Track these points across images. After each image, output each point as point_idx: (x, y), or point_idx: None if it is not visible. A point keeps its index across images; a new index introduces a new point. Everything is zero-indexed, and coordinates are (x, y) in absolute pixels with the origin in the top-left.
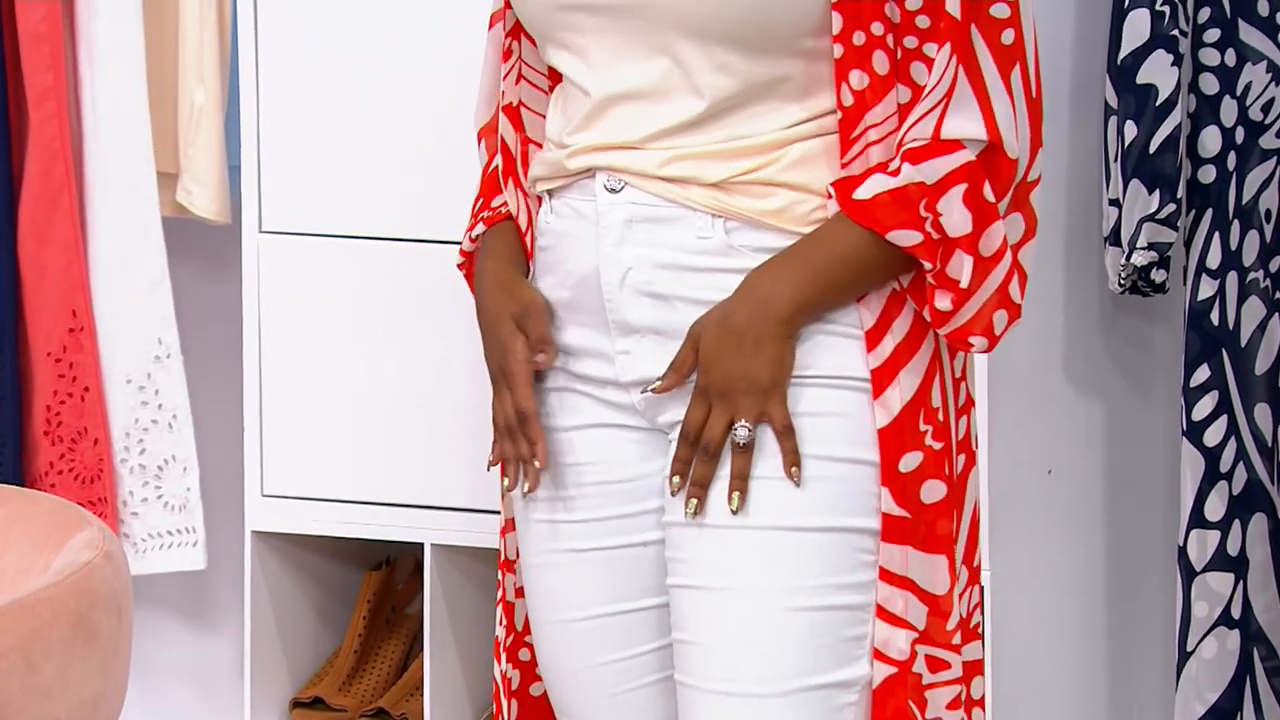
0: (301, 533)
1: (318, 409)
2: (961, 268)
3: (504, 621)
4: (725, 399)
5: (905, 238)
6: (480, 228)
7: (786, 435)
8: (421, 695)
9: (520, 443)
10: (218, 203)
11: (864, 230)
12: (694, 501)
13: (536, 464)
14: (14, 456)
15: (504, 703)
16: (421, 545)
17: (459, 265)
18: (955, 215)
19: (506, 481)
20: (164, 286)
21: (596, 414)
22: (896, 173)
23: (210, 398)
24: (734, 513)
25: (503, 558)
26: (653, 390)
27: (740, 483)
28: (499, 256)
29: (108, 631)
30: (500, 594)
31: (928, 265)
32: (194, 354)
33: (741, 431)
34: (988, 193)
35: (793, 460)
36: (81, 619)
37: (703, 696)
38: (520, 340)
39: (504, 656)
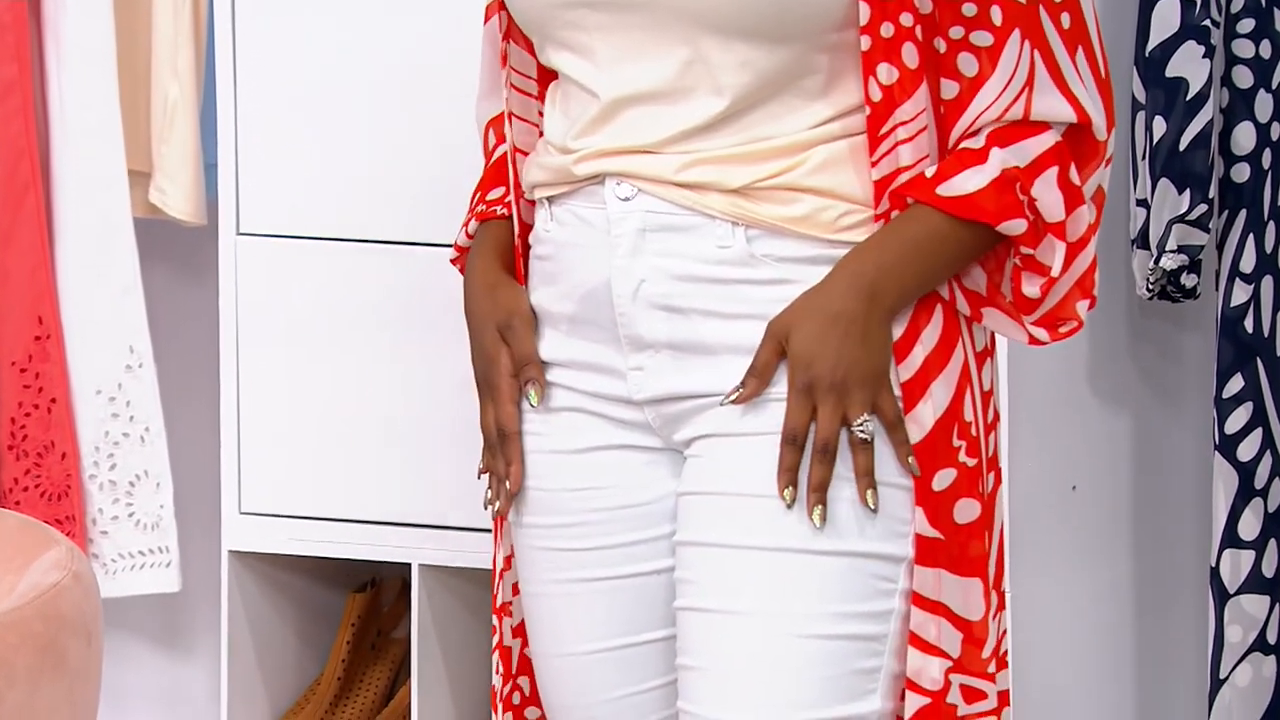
0: (281, 552)
1: (299, 421)
2: (1054, 254)
3: (500, 670)
4: (835, 393)
5: (1014, 226)
6: (475, 223)
7: (898, 426)
8: None
9: (499, 460)
10: (192, 203)
11: (958, 220)
12: (820, 508)
13: (508, 485)
14: None
15: None
16: (409, 566)
17: (452, 260)
18: (1050, 199)
19: (489, 494)
20: (136, 292)
21: (606, 435)
22: (984, 156)
23: (184, 410)
24: (873, 510)
25: (499, 601)
26: (733, 401)
27: (869, 480)
28: (488, 255)
29: (76, 657)
30: (496, 639)
31: (1027, 250)
32: (167, 363)
33: (867, 427)
34: (1074, 175)
35: (906, 451)
36: (49, 644)
37: None
38: (504, 353)
39: (501, 707)
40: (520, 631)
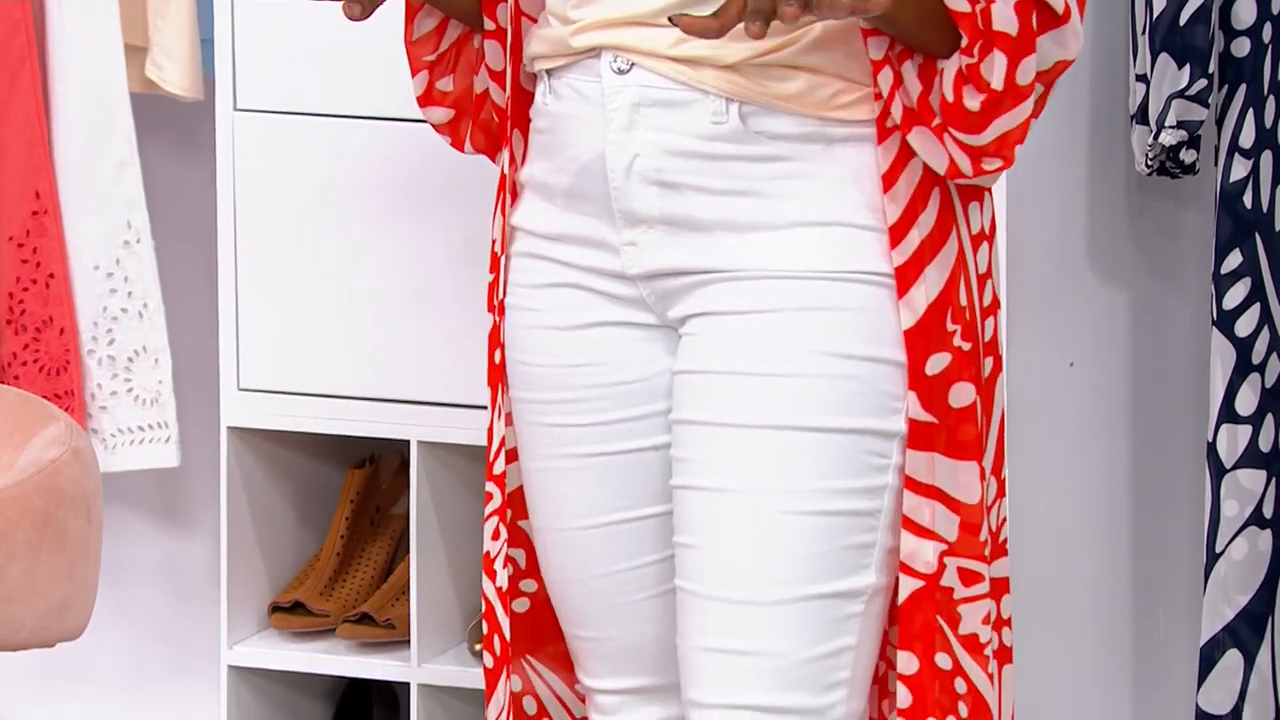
0: (280, 429)
1: (297, 298)
2: (994, 68)
3: (494, 538)
4: None
5: (959, 2)
6: None
7: None
8: (408, 599)
9: None
10: (189, 78)
11: None
12: (759, 24)
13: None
14: None
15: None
16: (407, 442)
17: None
18: (1004, 12)
19: None
20: (133, 167)
21: (601, 311)
22: None
23: (183, 286)
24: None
25: (495, 470)
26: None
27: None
28: None
29: (76, 532)
30: (492, 507)
31: (968, 59)
32: (166, 239)
33: None
34: (1033, 20)
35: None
36: (48, 519)
37: (701, 602)
38: None
39: (497, 575)
40: (514, 500)
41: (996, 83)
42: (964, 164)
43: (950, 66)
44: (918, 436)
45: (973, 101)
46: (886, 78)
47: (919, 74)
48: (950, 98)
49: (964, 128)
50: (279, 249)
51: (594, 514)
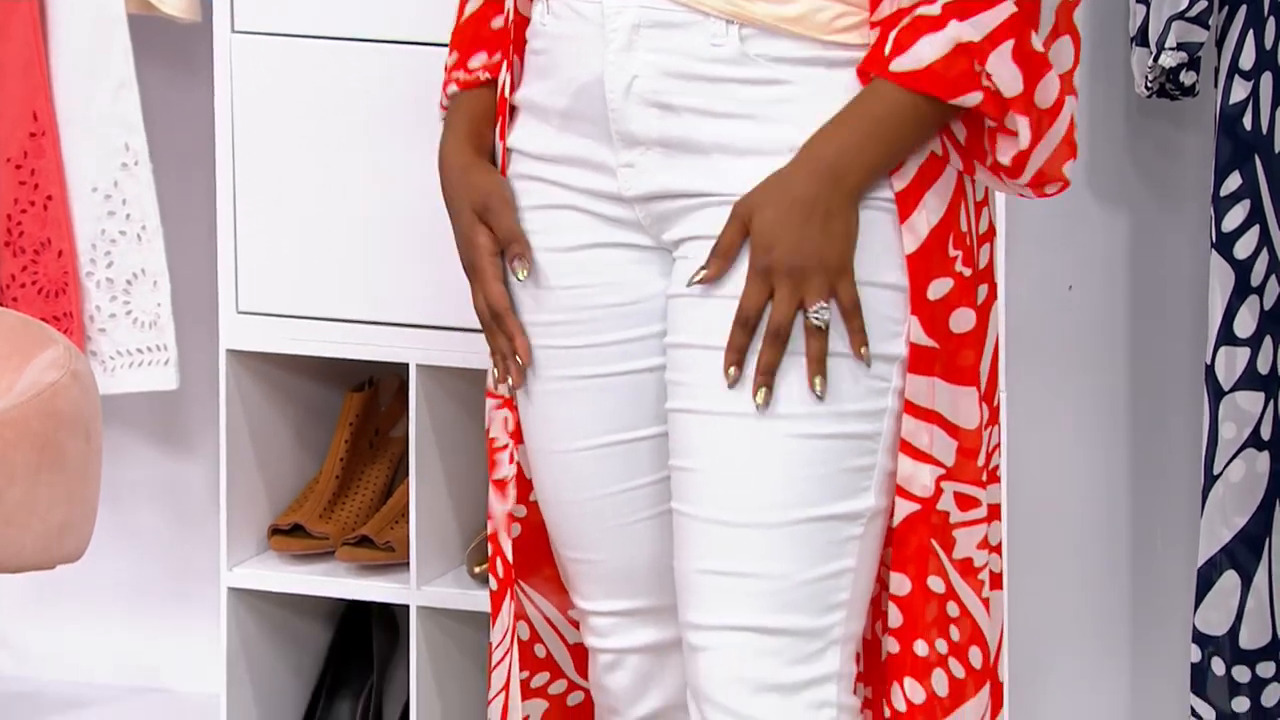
0: (279, 352)
1: (296, 221)
2: (1018, 126)
3: (505, 458)
4: (793, 278)
5: (969, 100)
6: (453, 87)
7: (855, 314)
8: (407, 522)
9: (499, 338)
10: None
11: (917, 93)
12: (763, 390)
13: (519, 359)
14: None
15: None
16: (406, 365)
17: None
18: (1006, 74)
19: (495, 374)
20: (131, 89)
21: (596, 232)
22: (940, 24)
23: (181, 208)
24: (820, 398)
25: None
26: (697, 281)
27: (819, 366)
28: (459, 133)
29: (75, 455)
30: (487, 427)
31: (990, 123)
32: (164, 162)
33: (823, 314)
34: (1035, 43)
35: (861, 341)
36: (48, 442)
37: (699, 525)
38: (483, 234)
39: (505, 489)
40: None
41: (1024, 141)
42: (1027, 193)
43: (986, 123)
44: (918, 361)
45: (1004, 156)
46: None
47: (964, 120)
48: (989, 153)
49: (1010, 175)
50: (277, 172)
51: (589, 436)
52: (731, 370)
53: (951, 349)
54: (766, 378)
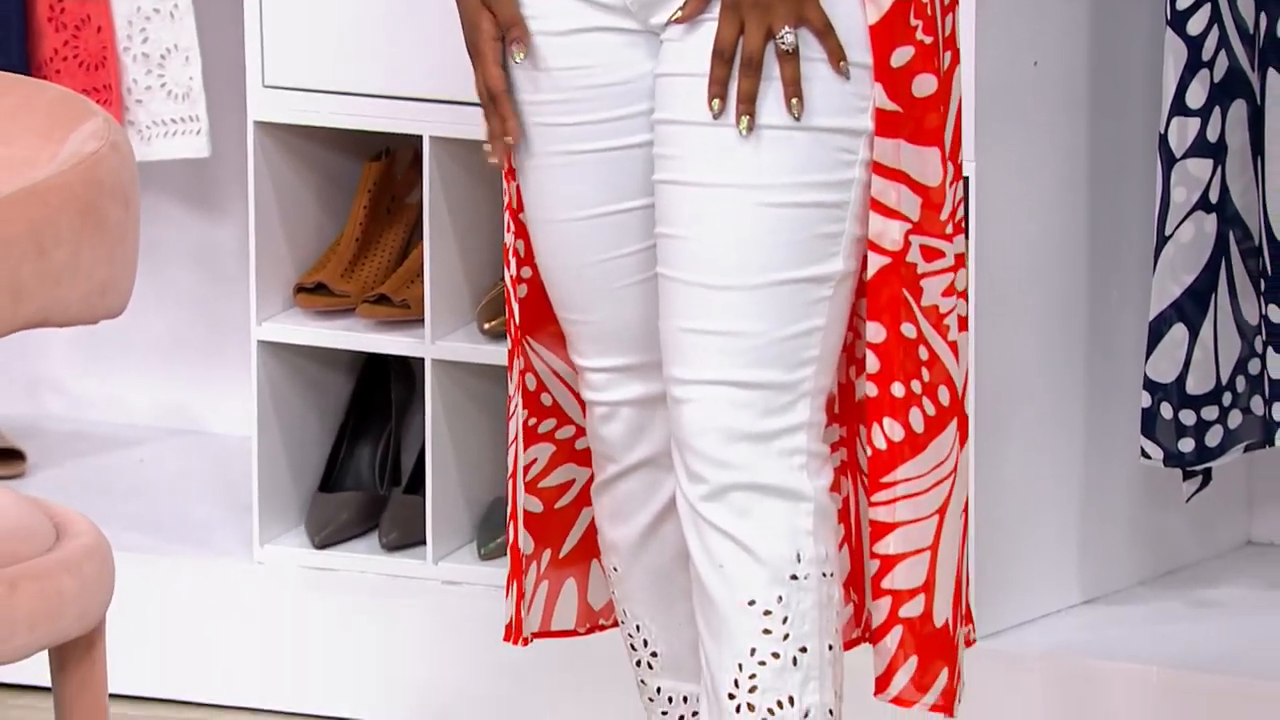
0: (302, 123)
1: None
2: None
3: (511, 228)
4: (759, 8)
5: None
6: None
7: (828, 33)
8: (422, 281)
9: (494, 119)
10: None
11: None
12: (745, 118)
13: (508, 139)
14: (20, 42)
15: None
16: (421, 136)
17: None
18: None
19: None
20: None
21: (589, 17)
22: None
23: None
24: (797, 118)
25: (508, 165)
26: (677, 21)
27: (794, 88)
28: None
29: (115, 220)
30: (506, 200)
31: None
32: None
33: (788, 38)
34: None
35: (839, 55)
36: (89, 207)
37: (682, 288)
38: (486, 17)
39: (512, 262)
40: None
41: None
42: None
43: None
44: (884, 124)
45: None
46: None
47: None
48: None
49: None
50: None
51: (582, 206)
52: (715, 103)
53: (916, 113)
54: (747, 105)
